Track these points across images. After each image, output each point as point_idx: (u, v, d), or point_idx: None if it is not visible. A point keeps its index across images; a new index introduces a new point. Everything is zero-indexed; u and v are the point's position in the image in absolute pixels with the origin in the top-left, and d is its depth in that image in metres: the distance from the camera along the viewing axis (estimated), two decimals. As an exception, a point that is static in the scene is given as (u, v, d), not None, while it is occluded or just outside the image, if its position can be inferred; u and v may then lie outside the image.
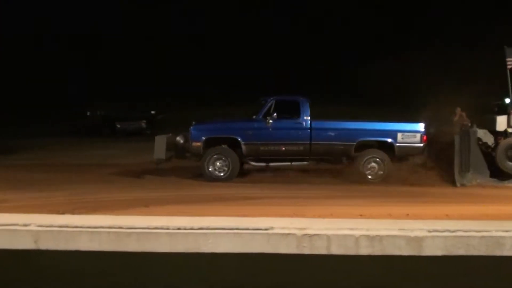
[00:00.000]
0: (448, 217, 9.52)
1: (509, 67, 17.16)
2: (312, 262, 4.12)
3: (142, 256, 4.23)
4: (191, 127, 17.44)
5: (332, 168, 17.63)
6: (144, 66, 55.32)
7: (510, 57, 17.18)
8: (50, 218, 4.76)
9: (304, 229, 4.14)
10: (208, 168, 16.94)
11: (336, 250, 4.13)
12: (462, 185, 15.84)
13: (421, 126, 17.23)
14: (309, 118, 17.29)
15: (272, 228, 4.16)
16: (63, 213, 9.36)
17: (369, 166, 16.86)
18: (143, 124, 36.60)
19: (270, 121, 17.05)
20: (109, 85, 52.22)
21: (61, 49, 58.14)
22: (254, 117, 17.57)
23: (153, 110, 40.34)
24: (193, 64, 53.70)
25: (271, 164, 17.25)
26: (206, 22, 59.89)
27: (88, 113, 42.99)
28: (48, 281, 4.37)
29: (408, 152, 17.22)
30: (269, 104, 17.26)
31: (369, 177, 16.74)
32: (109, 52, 58.61)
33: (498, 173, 16.37)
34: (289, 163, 17.32)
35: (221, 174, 16.96)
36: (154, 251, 4.21)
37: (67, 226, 4.38)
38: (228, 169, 16.95)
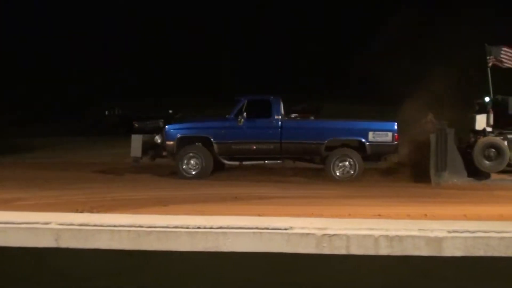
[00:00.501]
0: (466, 217, 9.47)
1: (489, 65, 17.11)
2: (332, 262, 4.12)
3: (162, 254, 4.24)
4: (166, 126, 17.72)
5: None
6: (160, 64, 55.47)
7: (490, 56, 17.14)
8: (71, 217, 4.79)
9: (323, 229, 4.14)
10: (182, 166, 17.09)
11: (355, 250, 4.12)
12: (438, 184, 15.72)
13: (393, 125, 17.20)
14: (280, 117, 17.40)
15: (291, 228, 4.16)
16: (81, 211, 9.41)
17: (340, 165, 16.88)
18: (161, 123, 36.53)
19: (242, 120, 17.17)
20: (127, 84, 52.42)
21: (80, 48, 58.34)
22: (227, 116, 17.75)
23: (170, 109, 40.33)
24: (211, 61, 53.83)
25: (245, 162, 17.42)
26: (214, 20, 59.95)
27: (106, 112, 43.14)
28: (69, 279, 4.40)
29: (380, 151, 17.24)
30: (242, 103, 17.42)
31: (337, 174, 16.80)
32: (126, 50, 58.76)
33: (477, 172, 16.25)
34: (262, 162, 17.52)
35: (194, 172, 17.14)
36: (174, 250, 4.22)
37: (87, 225, 4.40)
38: (201, 167, 17.09)
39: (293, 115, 34.87)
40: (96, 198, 12.84)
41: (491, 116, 16.71)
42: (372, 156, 17.33)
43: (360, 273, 4.21)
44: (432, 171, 15.86)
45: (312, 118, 19.88)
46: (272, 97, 17.84)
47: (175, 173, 17.47)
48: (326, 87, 45.04)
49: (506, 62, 17.20)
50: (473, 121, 17.04)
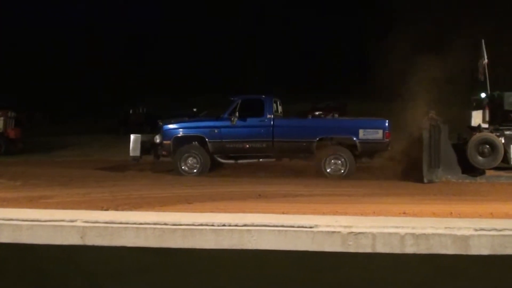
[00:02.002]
0: (492, 215, 9.40)
1: (485, 62, 17.03)
2: (357, 260, 4.10)
3: (187, 252, 4.25)
4: (163, 126, 18.08)
5: (363, 167, 17.81)
6: (184, 62, 55.66)
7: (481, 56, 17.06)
8: (96, 214, 4.81)
9: (349, 227, 4.12)
10: (180, 164, 17.44)
11: (381, 248, 4.09)
12: (430, 181, 15.55)
13: (383, 123, 17.19)
14: (272, 116, 17.56)
15: (317, 226, 4.14)
16: (107, 209, 9.47)
17: (332, 162, 16.94)
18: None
19: (235, 119, 17.39)
20: (153, 82, 52.71)
21: (106, 47, 58.79)
22: (221, 116, 17.98)
23: (195, 107, 40.48)
24: (236, 60, 53.95)
25: (239, 161, 17.64)
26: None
27: (131, 111, 43.39)
28: (94, 276, 4.42)
29: (371, 149, 17.31)
30: (235, 103, 17.70)
31: (328, 171, 16.87)
32: (152, 49, 59.04)
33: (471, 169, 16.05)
34: (256, 160, 17.68)
35: (191, 171, 17.58)
36: (199, 248, 4.22)
37: (112, 222, 4.41)
38: (199, 165, 17.34)
39: (317, 113, 34.91)
40: (121, 196, 12.94)
41: (487, 112, 16.57)
42: (364, 154, 17.48)
43: (386, 272, 4.18)
44: (424, 168, 15.72)
45: (337, 115, 19.89)
46: (264, 96, 18.08)
47: (172, 171, 17.90)
48: (350, 85, 44.97)
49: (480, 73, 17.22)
50: (469, 117, 16.93)
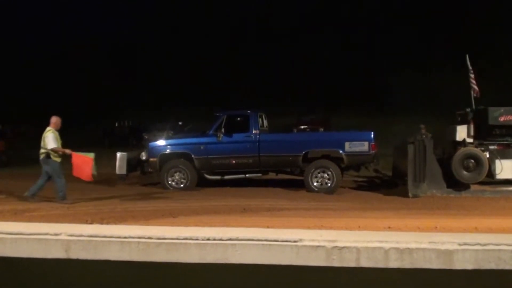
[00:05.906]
0: (477, 230, 9.40)
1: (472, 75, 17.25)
2: (341, 274, 4.09)
3: (171, 266, 4.23)
4: (149, 144, 18.12)
5: (349, 180, 17.82)
6: (173, 76, 55.64)
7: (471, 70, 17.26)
8: (80, 228, 4.80)
9: (333, 241, 4.12)
10: (167, 179, 17.50)
11: (365, 262, 4.09)
12: (414, 196, 15.57)
13: (369, 135, 17.27)
14: (258, 131, 17.59)
15: (301, 240, 4.14)
16: (91, 222, 9.41)
17: (318, 176, 16.97)
18: (171, 134, 36.59)
19: (221, 135, 17.42)
20: (138, 95, 52.60)
21: (91, 59, 58.69)
22: (207, 132, 18.03)
23: (180, 121, 40.43)
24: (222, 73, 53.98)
25: (226, 177, 17.62)
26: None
27: (116, 124, 43.25)
28: (78, 290, 4.39)
29: (357, 161, 17.36)
30: (221, 119, 17.72)
31: (315, 184, 16.87)
32: (139, 61, 58.98)
33: (456, 184, 16.08)
34: (243, 176, 17.67)
35: (179, 186, 17.54)
36: (183, 262, 4.21)
37: (97, 236, 4.40)
38: (186, 181, 17.49)
39: (302, 127, 34.93)
40: (106, 209, 12.87)
41: (472, 126, 16.66)
42: (350, 166, 17.54)
43: (370, 286, 4.17)
44: (409, 182, 15.74)
45: (322, 129, 19.95)
46: (249, 111, 18.05)
47: (158, 184, 17.86)
48: (333, 100, 45.15)
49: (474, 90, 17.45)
50: (454, 132, 17.00)
